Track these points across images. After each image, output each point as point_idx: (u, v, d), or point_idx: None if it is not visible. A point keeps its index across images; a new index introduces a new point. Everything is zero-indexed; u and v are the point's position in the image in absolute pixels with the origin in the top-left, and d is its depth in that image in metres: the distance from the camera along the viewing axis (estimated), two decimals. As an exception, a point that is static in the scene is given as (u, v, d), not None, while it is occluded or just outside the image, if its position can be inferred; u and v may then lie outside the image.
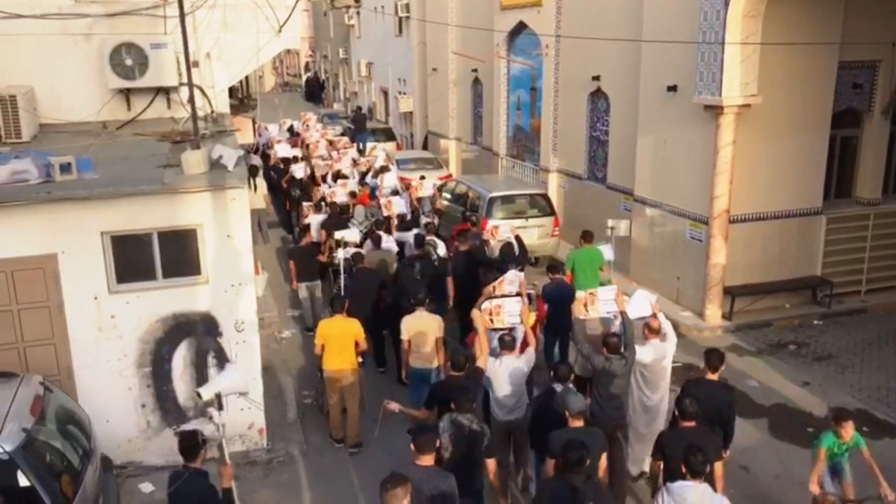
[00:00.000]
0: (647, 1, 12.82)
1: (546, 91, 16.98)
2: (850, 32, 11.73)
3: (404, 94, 27.59)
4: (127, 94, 10.12)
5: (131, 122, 10.16)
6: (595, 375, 7.23)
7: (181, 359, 8.05)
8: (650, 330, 7.61)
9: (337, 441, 8.76)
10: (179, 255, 7.84)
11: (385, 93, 31.04)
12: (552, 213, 14.79)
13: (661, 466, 6.23)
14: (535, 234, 14.27)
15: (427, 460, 5.40)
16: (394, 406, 7.06)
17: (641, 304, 7.93)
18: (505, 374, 7.26)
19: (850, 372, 10.52)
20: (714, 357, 6.96)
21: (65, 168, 7.48)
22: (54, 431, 6.25)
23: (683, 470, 5.36)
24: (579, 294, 8.15)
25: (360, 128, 25.67)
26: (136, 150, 8.91)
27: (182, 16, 8.44)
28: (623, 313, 7.58)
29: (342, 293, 10.28)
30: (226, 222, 7.86)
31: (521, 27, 17.87)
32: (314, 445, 8.75)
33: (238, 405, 8.27)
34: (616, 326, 7.71)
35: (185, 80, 8.93)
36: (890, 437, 8.89)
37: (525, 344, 7.77)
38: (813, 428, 9.07)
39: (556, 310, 9.21)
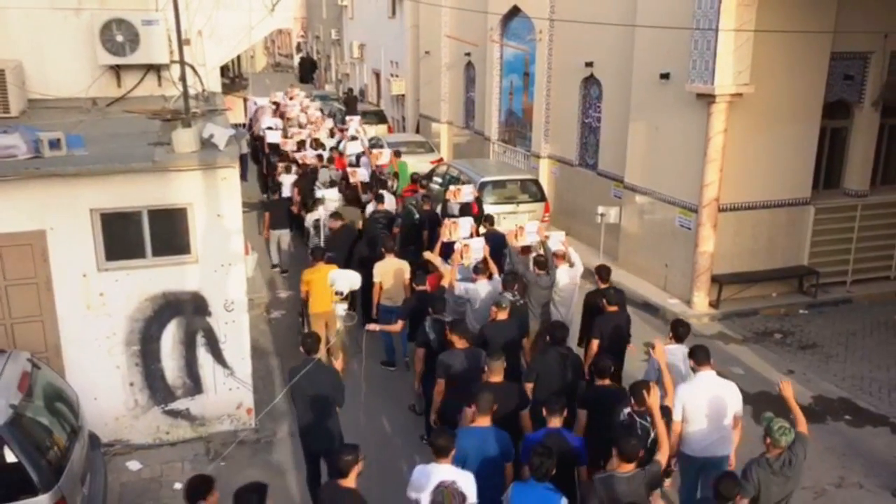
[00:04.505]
0: (642, -13, 12.80)
1: (539, 76, 16.94)
2: (843, 23, 11.74)
3: (396, 76, 27.43)
4: (117, 70, 10.03)
5: (121, 99, 10.08)
6: (528, 289, 9.18)
7: (170, 337, 8.06)
8: (558, 257, 9.57)
9: None
10: (169, 233, 7.82)
11: (377, 75, 30.85)
12: (543, 198, 14.79)
13: (597, 344, 8.02)
14: (526, 219, 14.24)
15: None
16: (374, 326, 9.10)
17: (531, 233, 10.04)
18: (481, 294, 9.03)
19: (835, 361, 10.64)
20: (603, 271, 9.10)
21: (54, 144, 7.40)
22: (42, 408, 6.24)
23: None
24: (510, 227, 10.44)
25: (351, 110, 25.54)
26: (126, 128, 8.84)
27: (174, -8, 8.36)
28: (543, 242, 9.75)
29: (321, 245, 11.37)
30: (216, 201, 7.84)
31: (514, 11, 17.79)
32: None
33: (227, 385, 8.35)
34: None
35: (176, 57, 8.86)
36: (872, 426, 9.01)
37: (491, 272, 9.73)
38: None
39: (491, 252, 10.61)
